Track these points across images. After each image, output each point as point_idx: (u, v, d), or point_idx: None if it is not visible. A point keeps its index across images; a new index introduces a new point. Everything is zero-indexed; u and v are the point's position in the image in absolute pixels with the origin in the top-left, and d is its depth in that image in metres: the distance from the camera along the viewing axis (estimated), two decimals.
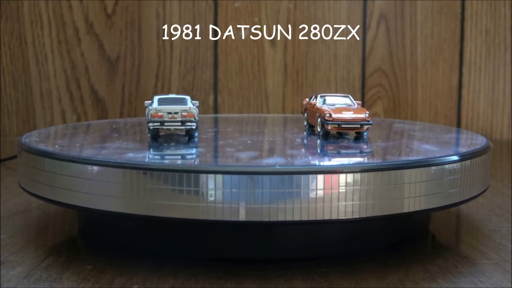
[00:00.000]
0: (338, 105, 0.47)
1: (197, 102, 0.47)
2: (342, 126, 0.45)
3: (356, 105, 0.47)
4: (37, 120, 0.92)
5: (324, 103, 0.48)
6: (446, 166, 0.39)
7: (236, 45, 0.92)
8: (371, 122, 0.45)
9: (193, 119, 0.43)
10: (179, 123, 0.43)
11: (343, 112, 0.45)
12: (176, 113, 0.43)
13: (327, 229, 0.40)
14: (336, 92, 0.93)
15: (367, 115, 0.45)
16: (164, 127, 0.43)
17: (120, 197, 0.36)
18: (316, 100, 0.48)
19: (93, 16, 0.91)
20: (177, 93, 0.92)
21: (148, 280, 0.36)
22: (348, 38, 0.93)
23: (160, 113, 0.43)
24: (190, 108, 0.43)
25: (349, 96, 0.48)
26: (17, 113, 0.92)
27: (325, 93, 0.51)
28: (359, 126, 0.45)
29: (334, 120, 0.45)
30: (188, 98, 0.44)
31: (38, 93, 0.91)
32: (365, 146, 0.45)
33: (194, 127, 0.43)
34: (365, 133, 0.46)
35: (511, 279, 0.37)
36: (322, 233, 0.40)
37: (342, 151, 0.42)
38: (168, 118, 0.43)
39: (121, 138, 0.48)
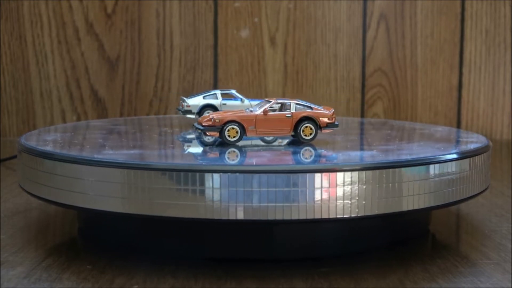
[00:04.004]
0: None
1: (240, 97, 0.51)
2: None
3: (254, 109, 0.43)
4: (37, 120, 0.92)
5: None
6: (446, 165, 0.39)
7: (236, 45, 0.92)
8: (202, 128, 0.42)
9: (181, 109, 0.51)
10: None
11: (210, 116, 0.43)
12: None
13: (326, 228, 0.40)
14: (336, 92, 0.93)
15: (206, 121, 0.42)
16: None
17: (119, 197, 0.36)
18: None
19: (93, 16, 0.91)
20: (178, 93, 0.92)
21: (148, 280, 0.36)
22: (348, 38, 0.93)
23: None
24: (185, 100, 0.50)
25: (268, 100, 0.44)
26: (17, 113, 0.92)
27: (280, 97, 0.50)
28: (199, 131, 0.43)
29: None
30: (214, 92, 0.51)
31: (38, 93, 0.91)
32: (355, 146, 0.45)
33: (184, 115, 0.51)
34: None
35: (511, 279, 0.37)
36: (322, 233, 0.40)
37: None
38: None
39: (121, 138, 0.48)
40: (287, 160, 0.40)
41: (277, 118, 0.42)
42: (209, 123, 0.42)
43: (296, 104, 0.43)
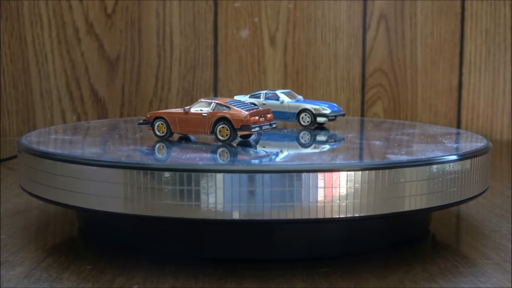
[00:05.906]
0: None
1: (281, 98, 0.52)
2: None
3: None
4: (37, 120, 0.92)
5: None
6: (446, 165, 0.39)
7: (236, 45, 0.92)
8: (139, 123, 0.45)
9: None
10: None
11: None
12: None
13: (326, 228, 0.40)
14: (336, 92, 0.93)
15: (144, 117, 0.45)
16: None
17: (119, 197, 0.36)
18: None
19: (93, 16, 0.91)
20: (178, 93, 0.92)
21: (148, 280, 0.36)
22: (348, 38, 0.93)
23: None
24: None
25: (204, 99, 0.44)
26: (17, 113, 0.92)
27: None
28: None
29: None
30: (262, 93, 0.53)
31: (38, 93, 0.91)
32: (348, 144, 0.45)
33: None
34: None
35: (511, 279, 0.37)
36: (322, 233, 0.40)
37: None
38: None
39: (121, 138, 0.48)
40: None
41: (195, 118, 0.43)
42: (144, 118, 0.45)
43: (217, 104, 0.43)
